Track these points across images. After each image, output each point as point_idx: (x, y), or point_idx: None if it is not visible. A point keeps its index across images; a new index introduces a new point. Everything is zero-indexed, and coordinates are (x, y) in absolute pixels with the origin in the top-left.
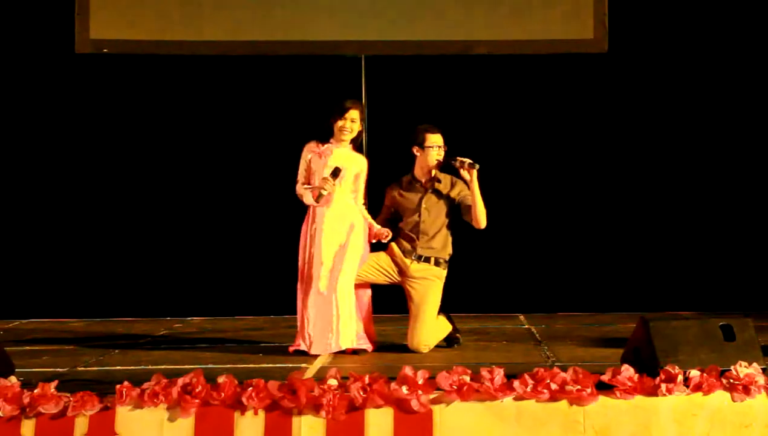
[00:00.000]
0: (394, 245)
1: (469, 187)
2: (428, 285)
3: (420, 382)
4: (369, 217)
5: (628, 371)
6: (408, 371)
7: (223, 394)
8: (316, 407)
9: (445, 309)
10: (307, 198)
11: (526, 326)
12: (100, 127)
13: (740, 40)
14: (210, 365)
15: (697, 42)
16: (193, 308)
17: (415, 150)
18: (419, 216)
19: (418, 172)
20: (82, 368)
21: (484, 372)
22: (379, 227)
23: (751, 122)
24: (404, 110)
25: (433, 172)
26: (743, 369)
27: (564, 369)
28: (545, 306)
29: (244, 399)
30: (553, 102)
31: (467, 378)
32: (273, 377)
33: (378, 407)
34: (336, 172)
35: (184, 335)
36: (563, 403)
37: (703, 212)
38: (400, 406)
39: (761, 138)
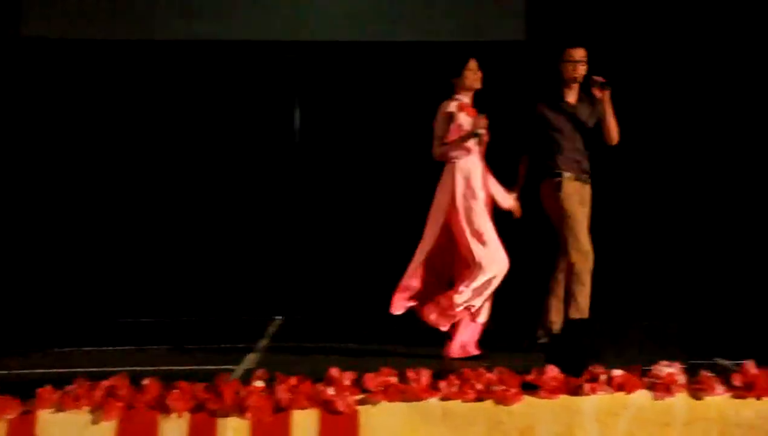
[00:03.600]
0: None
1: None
2: None
3: (346, 383)
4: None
5: (552, 371)
6: (334, 372)
7: (147, 396)
8: (241, 409)
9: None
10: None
11: None
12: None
13: (657, 29)
14: (135, 367)
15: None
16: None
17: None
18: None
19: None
20: (3, 372)
21: (411, 373)
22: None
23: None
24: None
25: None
26: (665, 368)
27: (490, 370)
28: None
29: (168, 401)
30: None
31: (394, 379)
32: (199, 379)
33: (304, 408)
34: (477, 135)
35: (110, 336)
36: (489, 403)
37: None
38: (326, 407)
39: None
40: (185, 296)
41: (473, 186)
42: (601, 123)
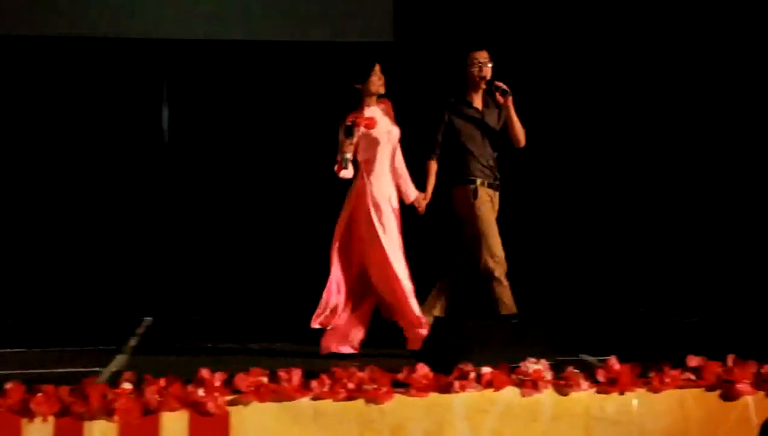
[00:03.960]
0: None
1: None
2: None
3: (217, 384)
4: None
5: (423, 369)
6: (205, 373)
7: (9, 400)
8: (108, 412)
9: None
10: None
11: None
12: None
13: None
14: None
15: (483, 30)
16: None
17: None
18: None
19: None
20: None
21: (282, 373)
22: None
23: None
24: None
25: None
26: (532, 366)
27: (361, 369)
28: None
29: (32, 405)
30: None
31: (264, 379)
32: (65, 382)
33: (173, 410)
34: (349, 130)
35: None
36: (360, 402)
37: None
38: (197, 408)
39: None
40: (51, 296)
41: (380, 197)
42: (507, 127)
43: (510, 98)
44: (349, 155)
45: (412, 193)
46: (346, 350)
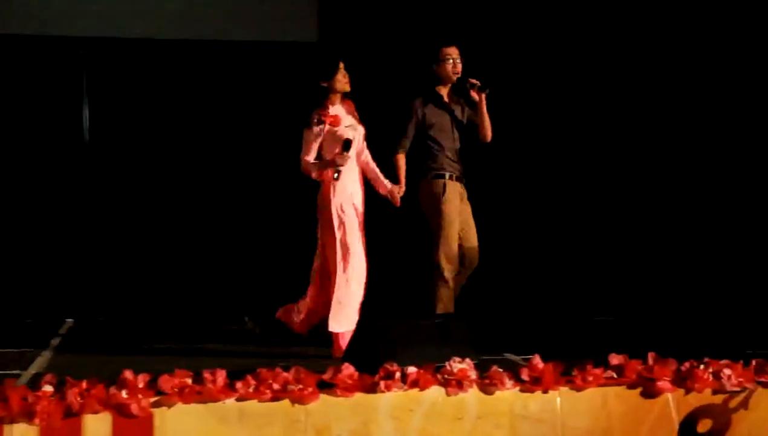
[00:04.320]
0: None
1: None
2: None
3: (140, 385)
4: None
5: (348, 369)
6: (128, 374)
7: None
8: (29, 415)
9: None
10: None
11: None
12: None
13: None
14: None
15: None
16: None
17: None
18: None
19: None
20: None
21: (206, 374)
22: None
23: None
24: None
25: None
26: (457, 365)
27: (286, 369)
28: None
29: None
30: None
31: (189, 380)
32: None
33: (96, 412)
34: (348, 145)
35: None
36: (285, 402)
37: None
38: (120, 410)
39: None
40: None
41: (345, 198)
42: (475, 122)
43: (485, 94)
44: (342, 168)
45: (388, 183)
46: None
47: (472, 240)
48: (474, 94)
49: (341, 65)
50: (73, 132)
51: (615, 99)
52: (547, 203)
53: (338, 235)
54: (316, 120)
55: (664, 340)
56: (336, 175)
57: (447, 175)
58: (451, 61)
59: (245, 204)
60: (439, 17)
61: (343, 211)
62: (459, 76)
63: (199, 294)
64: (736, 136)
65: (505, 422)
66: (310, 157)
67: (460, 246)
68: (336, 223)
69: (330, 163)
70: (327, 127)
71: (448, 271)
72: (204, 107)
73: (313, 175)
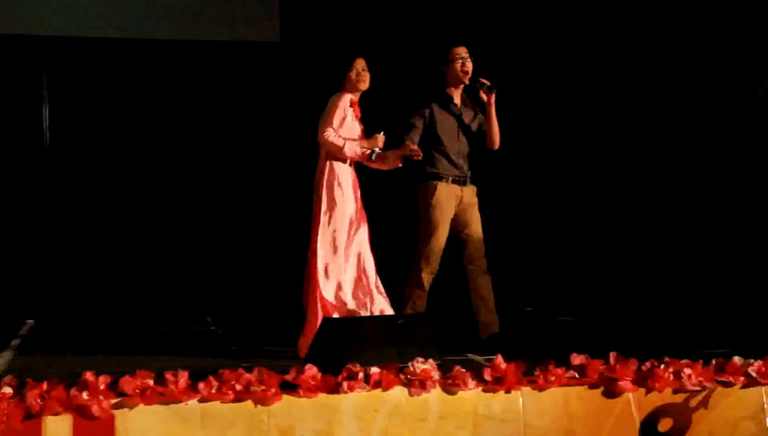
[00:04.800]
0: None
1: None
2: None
3: (101, 387)
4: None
5: (311, 370)
6: (89, 375)
7: None
8: None
9: None
10: (354, 151)
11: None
12: None
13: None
14: None
15: (372, 33)
16: None
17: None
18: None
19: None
20: None
21: (169, 375)
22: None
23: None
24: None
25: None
26: (420, 365)
27: (249, 370)
28: None
29: None
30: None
31: (150, 381)
32: None
33: (57, 414)
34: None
35: None
36: (248, 403)
37: None
38: (81, 412)
39: None
40: None
41: (338, 194)
42: (483, 128)
43: (494, 95)
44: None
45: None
46: None
47: (474, 242)
48: (483, 95)
49: (361, 61)
50: (32, 133)
51: (581, 103)
52: (508, 204)
53: (323, 219)
54: (343, 101)
55: (626, 340)
56: (372, 154)
57: (441, 177)
58: (460, 61)
59: (206, 204)
60: (402, 17)
61: (333, 207)
62: (468, 75)
63: (160, 295)
64: (695, 138)
65: (468, 422)
66: (337, 129)
67: (462, 247)
68: (324, 206)
69: (368, 142)
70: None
71: (424, 272)
72: (166, 107)
73: (345, 149)
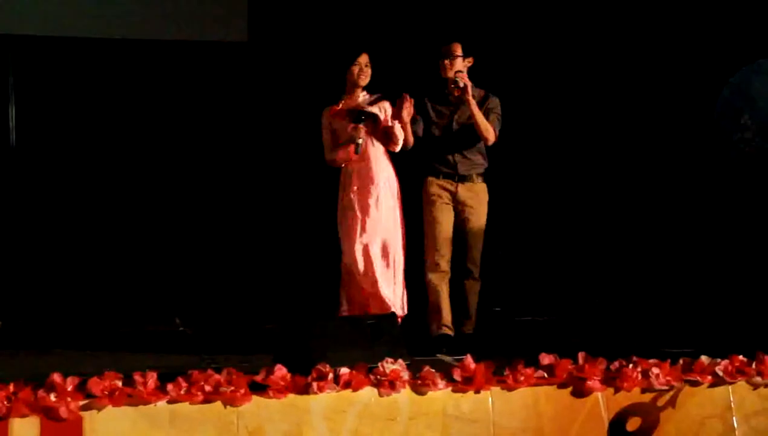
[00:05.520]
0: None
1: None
2: None
3: (69, 388)
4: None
5: (281, 370)
6: (56, 377)
7: None
8: None
9: None
10: (343, 154)
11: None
12: None
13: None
14: None
15: (341, 34)
16: None
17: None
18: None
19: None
20: None
21: (137, 376)
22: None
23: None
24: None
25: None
26: (389, 366)
27: (218, 371)
28: None
29: None
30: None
31: (119, 383)
32: None
33: (24, 416)
34: (357, 116)
35: None
36: (217, 404)
37: None
38: (48, 414)
39: None
40: None
41: (349, 195)
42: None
43: (466, 93)
44: (361, 141)
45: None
46: None
47: (466, 247)
48: (455, 92)
49: (363, 56)
50: None
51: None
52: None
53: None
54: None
55: (594, 339)
56: (357, 148)
57: (432, 172)
58: (453, 58)
59: (172, 204)
60: (372, 14)
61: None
62: (454, 72)
63: (128, 295)
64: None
65: (438, 422)
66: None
67: (464, 247)
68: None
69: (348, 140)
70: (330, 120)
71: (430, 271)
72: (132, 107)
73: (338, 158)
